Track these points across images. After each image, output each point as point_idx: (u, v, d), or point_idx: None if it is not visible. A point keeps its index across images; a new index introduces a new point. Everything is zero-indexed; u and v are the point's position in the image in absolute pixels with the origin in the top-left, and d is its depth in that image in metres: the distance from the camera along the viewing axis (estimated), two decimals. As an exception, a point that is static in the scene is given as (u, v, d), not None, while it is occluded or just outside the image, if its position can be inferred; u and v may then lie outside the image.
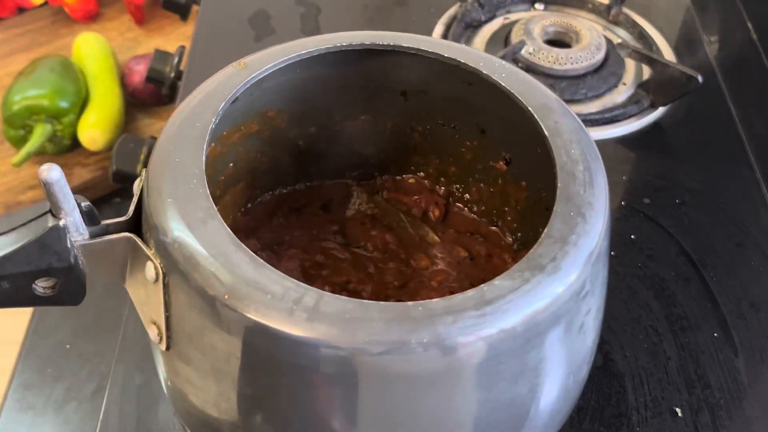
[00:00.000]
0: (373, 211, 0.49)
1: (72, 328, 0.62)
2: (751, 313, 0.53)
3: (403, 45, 0.42)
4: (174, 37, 1.02)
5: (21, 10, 1.06)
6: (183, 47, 0.78)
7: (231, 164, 0.44)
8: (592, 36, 0.68)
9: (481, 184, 0.47)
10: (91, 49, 0.95)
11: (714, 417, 0.47)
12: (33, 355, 0.61)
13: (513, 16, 0.73)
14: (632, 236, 0.56)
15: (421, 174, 0.49)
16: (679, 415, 0.47)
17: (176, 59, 0.78)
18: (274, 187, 0.48)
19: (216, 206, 0.33)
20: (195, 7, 0.85)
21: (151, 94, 0.93)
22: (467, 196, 0.48)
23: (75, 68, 0.93)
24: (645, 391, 0.48)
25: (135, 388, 0.47)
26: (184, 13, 0.86)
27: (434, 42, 0.42)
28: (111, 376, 0.48)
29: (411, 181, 0.49)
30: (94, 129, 0.89)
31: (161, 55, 0.79)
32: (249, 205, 0.47)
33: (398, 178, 0.49)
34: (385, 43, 0.42)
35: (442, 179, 0.49)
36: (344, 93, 0.45)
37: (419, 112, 0.46)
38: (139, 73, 0.93)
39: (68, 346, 0.60)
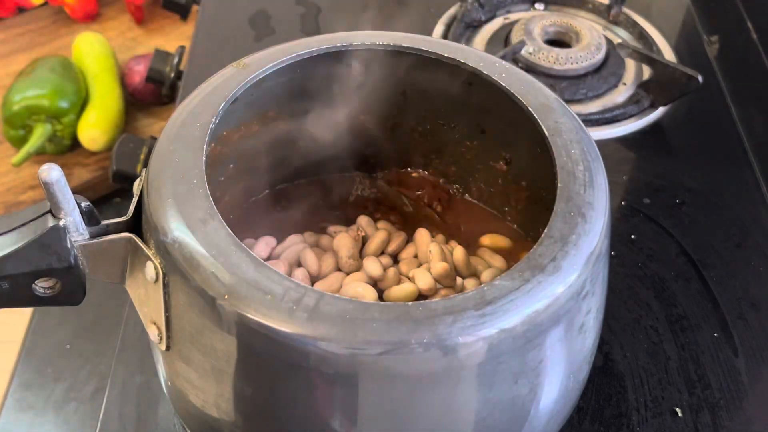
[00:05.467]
0: (375, 195, 0.48)
1: (72, 328, 0.62)
2: (751, 313, 0.53)
3: (403, 45, 0.42)
4: (174, 37, 1.02)
5: (21, 10, 1.05)
6: (183, 47, 0.78)
7: (231, 165, 0.44)
8: (592, 36, 0.68)
9: (481, 184, 0.47)
10: (91, 49, 0.95)
11: (714, 417, 0.47)
12: (33, 355, 0.61)
13: (513, 16, 0.73)
14: (632, 236, 0.56)
15: (424, 172, 0.49)
16: (679, 415, 0.47)
17: (176, 59, 0.78)
18: (274, 185, 0.48)
19: (216, 206, 0.33)
20: (195, 7, 0.85)
21: (151, 94, 0.93)
22: (467, 196, 0.48)
23: (75, 68, 0.93)
24: (645, 391, 0.48)
25: (135, 388, 0.47)
26: (184, 13, 0.86)
27: (434, 42, 0.42)
28: (111, 376, 0.48)
29: (414, 175, 0.49)
30: (94, 129, 0.89)
31: (161, 55, 0.79)
32: (252, 200, 0.47)
33: (402, 170, 0.49)
34: (385, 43, 0.42)
35: (442, 179, 0.49)
36: (344, 93, 0.45)
37: (419, 112, 0.46)
38: (139, 73, 0.93)
39: (68, 346, 0.60)
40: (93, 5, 1.04)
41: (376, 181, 0.49)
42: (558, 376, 0.35)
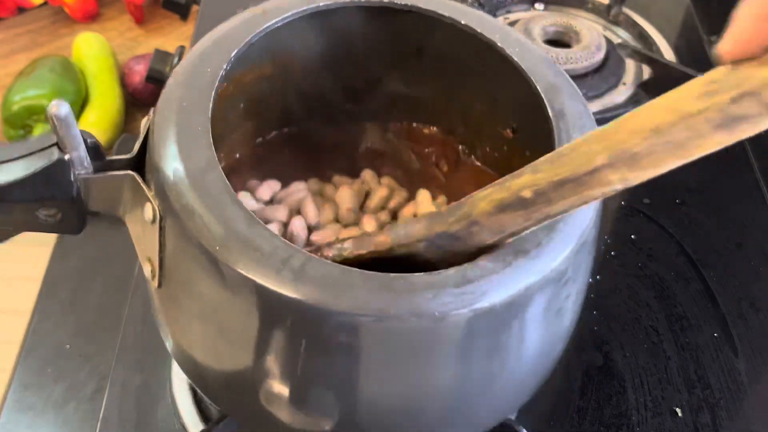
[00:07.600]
0: (384, 148, 0.48)
1: (72, 328, 0.61)
2: (751, 313, 0.52)
3: (421, 7, 0.41)
4: (174, 37, 1.02)
5: (21, 10, 1.06)
6: (183, 47, 0.78)
7: (241, 104, 0.43)
8: (592, 36, 0.67)
9: (487, 148, 0.46)
10: (91, 49, 0.95)
11: (714, 417, 0.47)
12: (33, 355, 0.61)
13: (513, 16, 0.73)
14: (632, 236, 0.56)
15: (434, 129, 0.49)
16: (679, 415, 0.47)
17: (176, 59, 0.78)
18: (284, 125, 0.47)
19: (224, 144, 0.33)
20: (195, 7, 0.85)
21: (151, 94, 0.93)
22: (473, 157, 0.48)
23: (75, 68, 0.93)
24: (645, 391, 0.48)
25: (135, 388, 0.47)
26: (184, 13, 0.86)
27: (453, 6, 0.41)
28: (111, 376, 0.48)
29: (425, 131, 0.48)
30: (94, 129, 0.89)
31: (161, 55, 0.79)
32: (259, 140, 0.47)
33: (413, 125, 0.49)
34: (403, 3, 0.41)
35: (451, 137, 0.48)
36: (360, 47, 0.44)
37: (433, 70, 0.45)
38: (139, 73, 0.93)
39: (68, 346, 0.60)
40: (93, 5, 1.04)
41: (387, 133, 0.48)
42: (531, 356, 0.35)
